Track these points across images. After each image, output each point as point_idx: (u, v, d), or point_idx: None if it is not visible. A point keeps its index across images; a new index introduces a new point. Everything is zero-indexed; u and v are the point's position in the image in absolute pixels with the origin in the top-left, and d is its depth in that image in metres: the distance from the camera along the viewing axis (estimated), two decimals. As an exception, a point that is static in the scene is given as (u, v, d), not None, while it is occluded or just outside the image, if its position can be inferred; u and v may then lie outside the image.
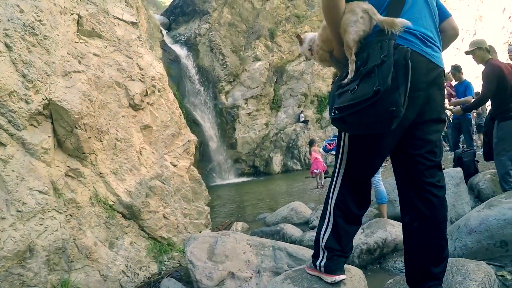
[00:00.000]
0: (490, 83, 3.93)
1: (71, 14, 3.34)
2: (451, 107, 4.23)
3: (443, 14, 1.93)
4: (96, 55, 3.46)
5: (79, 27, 3.44)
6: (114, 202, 3.26)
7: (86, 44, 3.41)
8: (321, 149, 8.47)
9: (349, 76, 1.58)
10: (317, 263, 1.96)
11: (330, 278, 1.91)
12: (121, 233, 3.23)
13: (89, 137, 3.10)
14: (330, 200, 1.90)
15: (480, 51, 4.17)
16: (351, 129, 1.72)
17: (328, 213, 1.90)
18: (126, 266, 3.06)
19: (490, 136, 4.27)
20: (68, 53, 3.11)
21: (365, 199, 1.91)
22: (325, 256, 1.92)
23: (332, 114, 1.58)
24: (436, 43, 1.71)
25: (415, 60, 1.54)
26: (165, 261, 3.42)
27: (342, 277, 1.91)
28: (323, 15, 1.70)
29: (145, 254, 3.33)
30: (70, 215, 2.81)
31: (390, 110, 1.43)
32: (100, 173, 3.21)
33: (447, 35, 1.94)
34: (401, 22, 1.54)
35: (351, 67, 1.59)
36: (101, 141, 3.28)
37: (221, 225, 5.33)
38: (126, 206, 3.34)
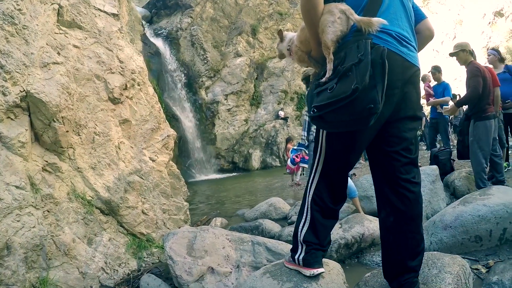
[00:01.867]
0: (476, 78, 4.06)
1: (52, 3, 3.25)
2: (447, 106, 4.36)
3: (419, 16, 2.00)
4: (75, 46, 3.39)
5: (59, 17, 3.35)
6: (92, 198, 3.21)
7: (65, 35, 3.32)
8: (288, 162, 8.44)
9: (327, 75, 1.62)
10: (296, 256, 2.01)
11: (308, 272, 1.97)
12: (100, 229, 3.18)
13: (67, 131, 3.04)
14: (307, 195, 1.95)
15: (463, 53, 4.33)
16: (330, 127, 1.76)
17: (305, 208, 1.95)
18: (105, 263, 3.03)
19: (464, 135, 4.45)
20: (47, 44, 3.02)
21: (341, 194, 1.96)
22: (303, 250, 1.97)
23: (312, 112, 1.62)
24: (411, 43, 1.76)
25: (391, 59, 1.58)
26: (144, 257, 3.40)
27: (320, 270, 1.97)
28: (302, 16, 1.74)
29: (124, 250, 3.30)
30: (48, 211, 2.75)
31: (368, 107, 1.48)
32: (78, 167, 3.16)
33: (423, 36, 2.01)
34: (378, 21, 1.59)
35: (329, 66, 1.63)
36: (79, 135, 3.22)
37: (200, 220, 5.33)
38: (105, 201, 3.30)
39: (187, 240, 2.97)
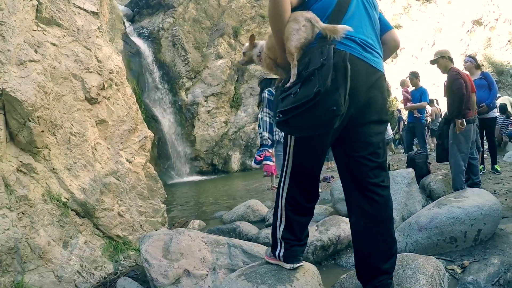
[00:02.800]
0: (458, 81, 4.20)
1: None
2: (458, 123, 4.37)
3: (385, 27, 2.09)
4: (53, 44, 3.32)
5: (38, 14, 3.27)
6: (68, 199, 3.15)
7: (44, 32, 3.26)
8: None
9: (291, 80, 1.67)
10: (276, 253, 2.11)
11: (288, 266, 2.08)
12: (75, 232, 3.13)
13: (43, 131, 2.97)
14: (280, 197, 2.00)
15: (443, 60, 4.48)
16: (296, 131, 1.82)
17: (279, 208, 2.01)
18: (81, 266, 2.98)
19: (444, 138, 4.59)
20: (24, 41, 2.95)
21: (313, 193, 2.02)
22: (282, 247, 2.05)
23: (277, 118, 1.66)
24: (376, 49, 1.84)
25: (355, 64, 1.65)
26: (121, 260, 3.36)
27: (299, 264, 2.09)
28: (269, 22, 1.81)
29: (101, 253, 3.25)
30: (22, 213, 2.68)
31: (331, 109, 1.52)
32: (53, 168, 3.09)
33: (388, 47, 2.10)
34: (343, 28, 1.66)
35: (293, 72, 1.68)
36: (55, 135, 3.16)
37: (177, 222, 5.30)
38: (80, 203, 3.25)
39: (163, 243, 2.96)
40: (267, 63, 2.02)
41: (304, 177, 1.95)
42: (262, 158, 7.95)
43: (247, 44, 2.18)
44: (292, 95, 1.61)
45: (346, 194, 1.95)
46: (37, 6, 3.26)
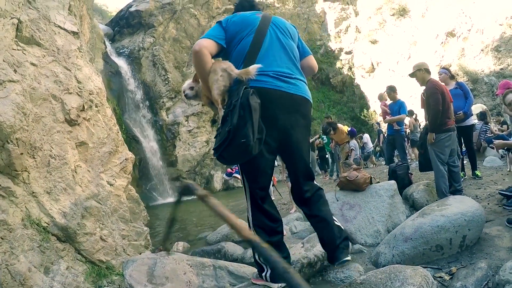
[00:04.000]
0: (435, 96, 4.31)
1: (11, 18, 3.13)
2: (429, 136, 4.52)
3: (303, 53, 2.42)
4: (33, 64, 3.26)
5: (18, 33, 3.22)
6: (48, 224, 3.03)
7: (23, 51, 3.20)
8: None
9: (219, 121, 2.02)
10: (263, 274, 2.24)
11: (276, 286, 2.20)
12: (57, 257, 3.00)
13: (22, 153, 2.88)
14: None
15: (420, 72, 4.61)
16: (229, 162, 2.16)
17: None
18: (63, 293, 2.86)
19: (425, 148, 4.69)
20: (4, 60, 2.89)
21: (273, 212, 2.26)
22: (268, 267, 2.20)
23: (214, 154, 2.00)
24: (293, 76, 2.14)
25: (270, 94, 2.00)
26: (104, 286, 3.23)
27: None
28: (195, 70, 2.14)
29: (83, 279, 3.12)
30: (2, 238, 2.56)
31: (241, 142, 1.83)
32: (33, 192, 2.99)
33: (306, 71, 2.41)
34: (253, 68, 1.97)
35: (220, 114, 2.02)
36: (34, 157, 3.06)
37: (161, 246, 5.17)
38: (61, 228, 3.13)
39: (147, 267, 2.87)
40: (204, 100, 2.32)
41: (258, 195, 2.19)
42: (233, 171, 8.03)
43: (189, 81, 2.42)
44: (218, 135, 1.95)
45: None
46: (17, 25, 3.21)
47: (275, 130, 2.04)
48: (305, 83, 2.25)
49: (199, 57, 2.02)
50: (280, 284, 2.21)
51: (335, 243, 2.27)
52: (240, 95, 1.86)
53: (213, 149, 2.02)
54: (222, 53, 2.16)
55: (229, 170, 8.28)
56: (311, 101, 2.28)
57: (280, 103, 2.04)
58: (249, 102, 1.84)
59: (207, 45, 2.07)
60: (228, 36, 2.16)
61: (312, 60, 2.47)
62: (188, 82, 2.37)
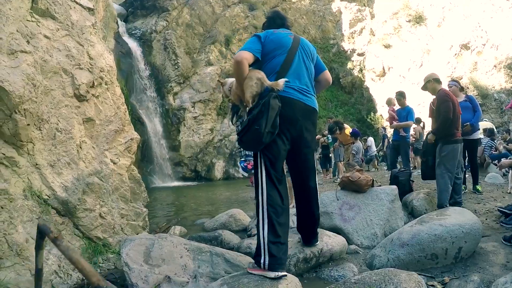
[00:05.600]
0: (446, 104, 4.29)
1: (27, -12, 3.11)
2: (429, 136, 4.58)
3: (320, 69, 2.96)
4: (46, 37, 3.25)
5: (33, 4, 3.19)
6: (49, 197, 3.04)
7: (37, 23, 3.18)
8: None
9: (244, 117, 2.70)
10: (261, 261, 2.35)
11: (273, 274, 2.30)
12: (55, 231, 3.01)
13: (28, 124, 2.88)
14: (261, 202, 2.46)
15: (430, 84, 4.60)
16: (246, 146, 2.83)
17: (262, 212, 2.44)
18: (59, 266, 2.86)
19: (428, 156, 4.68)
20: (17, 31, 2.86)
21: (285, 195, 2.57)
22: (267, 253, 2.34)
23: (237, 140, 2.65)
24: (309, 92, 2.72)
25: (294, 103, 2.58)
26: (99, 263, 3.25)
27: (282, 273, 2.32)
28: (234, 76, 2.64)
29: (79, 254, 3.14)
30: (1, 207, 2.57)
31: (255, 128, 2.36)
32: (36, 164, 2.99)
33: (321, 84, 3.02)
34: (282, 81, 2.49)
35: (246, 110, 2.64)
36: (40, 129, 3.06)
37: (159, 228, 5.20)
38: (62, 202, 3.14)
39: (145, 248, 2.90)
40: (234, 98, 2.81)
41: (275, 176, 2.52)
42: (251, 167, 7.96)
43: (232, 79, 2.86)
44: (241, 123, 2.66)
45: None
46: (33, -4, 3.19)
47: (293, 129, 2.58)
48: (315, 97, 2.81)
49: (240, 66, 2.49)
50: (277, 273, 2.29)
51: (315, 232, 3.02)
52: (265, 99, 2.40)
53: (237, 134, 2.66)
54: (256, 65, 2.64)
55: (248, 165, 8.17)
56: (318, 111, 2.82)
57: (300, 109, 2.60)
58: (270, 103, 2.37)
59: (247, 57, 2.53)
60: (265, 51, 2.64)
61: (328, 75, 3.03)
62: (232, 81, 2.85)
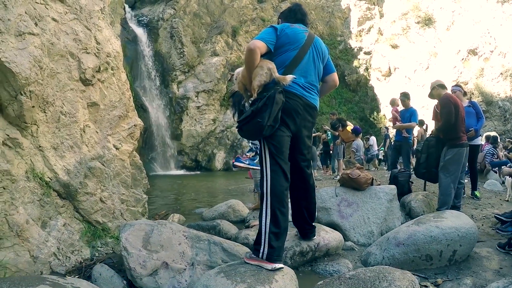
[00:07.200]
0: (447, 107, 4.31)
1: (36, -30, 3.10)
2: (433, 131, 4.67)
3: (329, 70, 3.02)
4: (54, 20, 3.25)
5: (42, -14, 3.21)
6: (51, 179, 3.07)
7: (46, 6, 3.17)
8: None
9: (247, 104, 2.80)
10: (261, 250, 2.39)
11: (270, 266, 2.32)
12: (55, 213, 3.05)
13: (33, 106, 2.89)
14: (265, 190, 2.49)
15: (435, 90, 4.62)
16: (245, 135, 2.78)
17: (265, 201, 2.47)
18: (58, 249, 2.90)
19: (422, 154, 4.73)
20: (26, 12, 2.86)
21: (288, 175, 2.62)
22: (266, 243, 2.38)
23: (237, 126, 2.67)
24: (314, 90, 2.79)
25: (298, 98, 2.65)
26: (98, 247, 3.30)
27: (279, 265, 2.35)
28: (244, 64, 2.70)
29: (78, 237, 3.18)
30: (4, 188, 2.59)
31: (258, 121, 2.42)
32: (40, 146, 3.01)
33: (328, 85, 3.08)
34: (290, 77, 2.54)
35: (248, 100, 2.72)
36: (45, 112, 3.08)
37: (158, 214, 5.25)
38: (63, 184, 3.17)
39: (144, 233, 2.93)
40: (239, 86, 2.89)
41: (280, 162, 2.56)
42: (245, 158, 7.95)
43: (242, 69, 2.91)
44: (244, 112, 2.59)
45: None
46: (42, -22, 3.19)
47: (296, 120, 2.66)
48: (318, 96, 2.88)
49: (252, 54, 2.53)
50: (274, 265, 2.32)
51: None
52: (272, 91, 2.45)
53: (237, 122, 2.68)
54: (267, 55, 2.65)
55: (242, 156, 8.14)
56: (318, 109, 2.90)
57: (302, 104, 2.68)
58: (275, 97, 2.42)
59: (260, 46, 2.56)
60: (278, 43, 2.68)
61: (335, 77, 3.09)
62: (238, 71, 2.97)
